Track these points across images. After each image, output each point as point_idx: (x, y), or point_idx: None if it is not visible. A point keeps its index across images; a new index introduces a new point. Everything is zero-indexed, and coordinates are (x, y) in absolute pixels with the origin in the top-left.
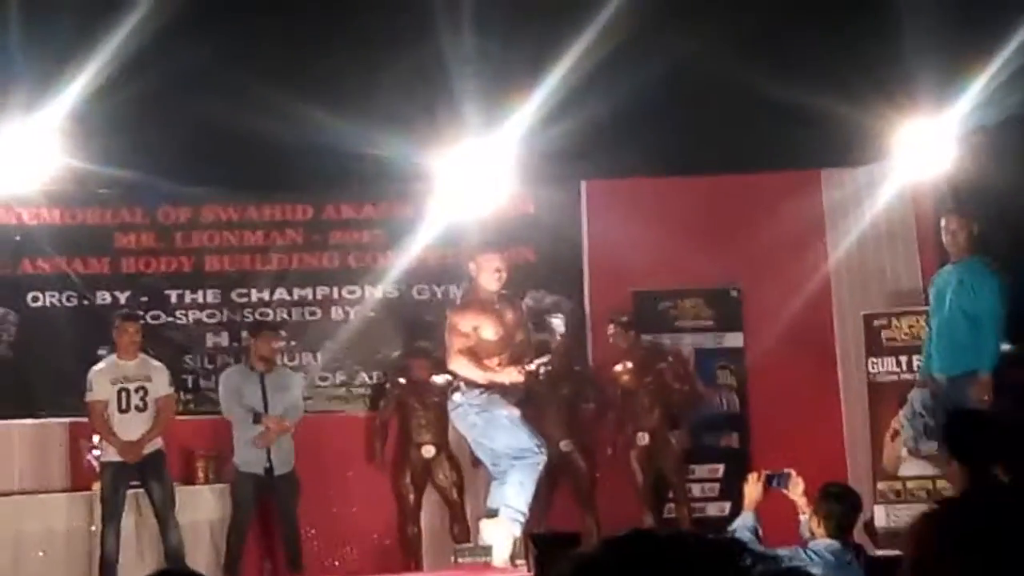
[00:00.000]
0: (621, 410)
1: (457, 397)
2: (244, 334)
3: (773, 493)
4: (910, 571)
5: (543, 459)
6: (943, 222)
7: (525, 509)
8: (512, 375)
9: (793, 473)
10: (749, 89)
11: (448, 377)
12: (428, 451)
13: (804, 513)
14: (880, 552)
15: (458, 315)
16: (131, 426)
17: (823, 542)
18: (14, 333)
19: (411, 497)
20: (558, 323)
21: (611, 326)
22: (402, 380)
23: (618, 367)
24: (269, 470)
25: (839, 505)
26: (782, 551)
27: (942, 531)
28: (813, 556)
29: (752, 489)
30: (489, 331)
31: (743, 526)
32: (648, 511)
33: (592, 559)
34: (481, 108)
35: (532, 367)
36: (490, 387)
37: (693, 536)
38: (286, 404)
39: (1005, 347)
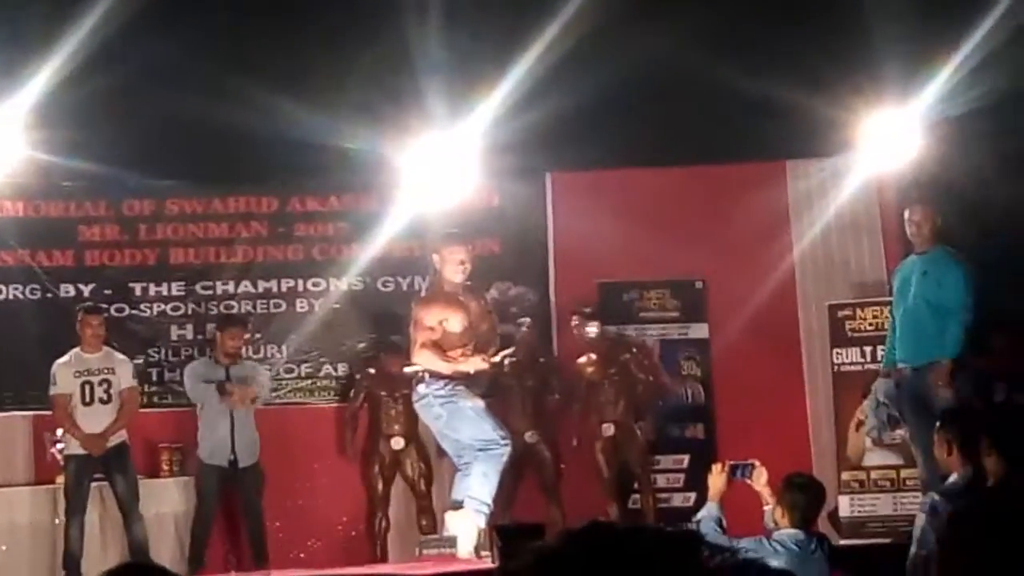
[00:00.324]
0: (586, 401)
1: (421, 388)
2: (209, 327)
3: (738, 484)
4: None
5: (507, 450)
6: (907, 213)
7: (489, 500)
8: (477, 363)
9: (757, 464)
10: (714, 80)
11: (418, 368)
12: (397, 443)
13: (768, 504)
14: (844, 542)
15: (423, 308)
16: (95, 419)
17: (787, 532)
18: None
19: (380, 488)
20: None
21: (574, 317)
22: (371, 371)
23: (583, 359)
24: (233, 462)
25: (803, 495)
26: (746, 541)
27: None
28: (777, 547)
29: (716, 480)
30: (455, 323)
31: (707, 517)
32: (613, 502)
33: (552, 551)
34: (446, 100)
35: (497, 358)
36: (455, 378)
37: (652, 528)
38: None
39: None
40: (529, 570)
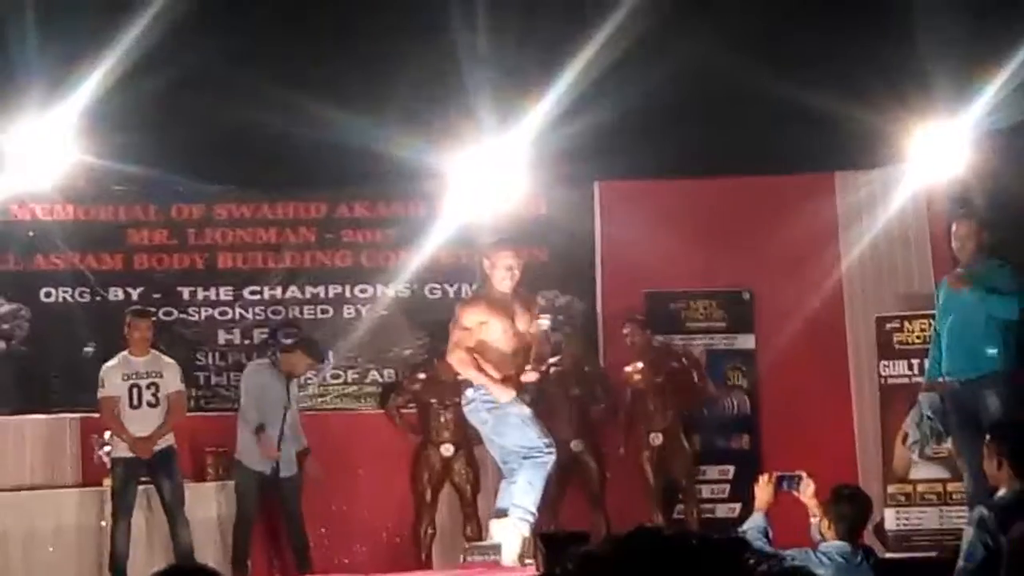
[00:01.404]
0: (633, 410)
1: (470, 392)
2: (257, 332)
3: (784, 496)
4: None
5: (552, 459)
6: (953, 227)
7: (534, 508)
8: (504, 393)
9: (805, 476)
10: (763, 91)
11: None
12: (447, 449)
13: (815, 516)
14: (890, 555)
15: (464, 309)
16: (142, 422)
17: (833, 544)
18: (27, 328)
19: (428, 496)
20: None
21: (627, 325)
22: (422, 375)
23: (630, 367)
24: (275, 470)
25: (850, 507)
26: (792, 552)
27: None
28: (823, 558)
29: (763, 491)
30: (495, 329)
31: (753, 527)
32: (658, 512)
33: (596, 556)
34: (495, 108)
35: (531, 376)
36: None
37: (697, 534)
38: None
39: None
40: (574, 574)
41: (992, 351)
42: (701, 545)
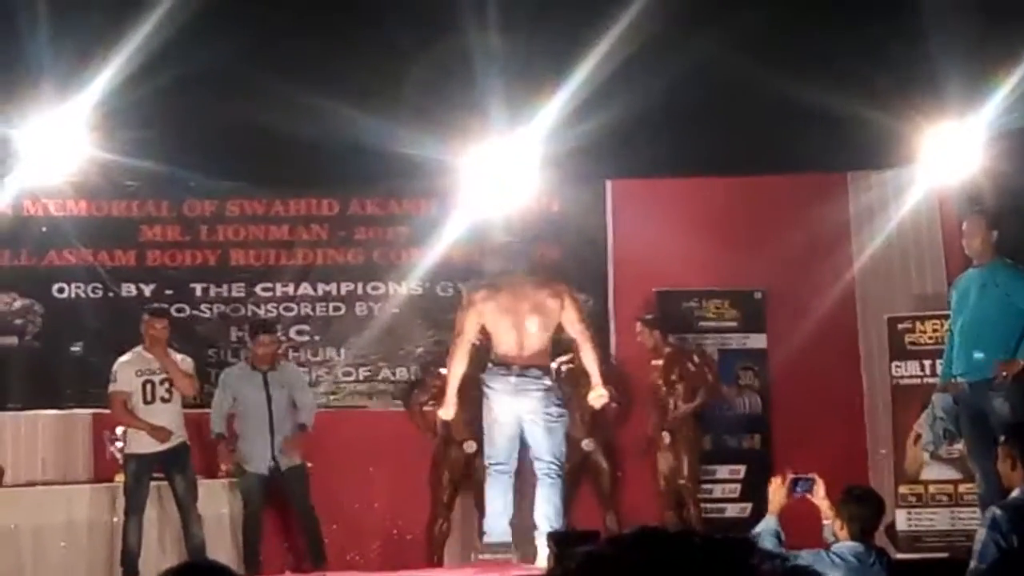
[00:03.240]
0: (647, 408)
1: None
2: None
3: (797, 498)
4: None
5: (504, 477)
6: (964, 226)
7: (552, 520)
8: (448, 412)
9: (818, 478)
10: (776, 90)
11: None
12: (470, 446)
13: (828, 519)
14: (901, 556)
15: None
16: (156, 418)
17: (846, 544)
18: (40, 324)
19: (447, 494)
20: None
21: (638, 324)
22: (443, 371)
23: (650, 365)
24: (274, 468)
25: (862, 507)
26: (805, 554)
27: None
28: (836, 559)
29: (776, 493)
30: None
31: (766, 530)
32: (670, 511)
33: (598, 555)
34: (507, 106)
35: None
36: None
37: (700, 534)
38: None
39: None
40: (576, 573)
41: (1003, 352)
42: (704, 545)
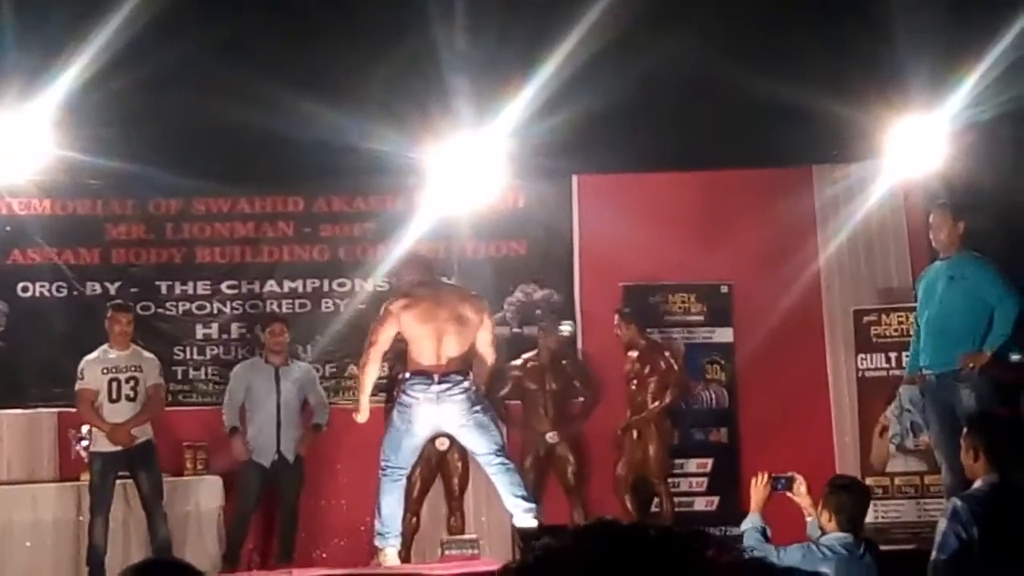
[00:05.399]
0: (616, 401)
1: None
2: (235, 326)
3: (778, 494)
4: None
5: (397, 485)
6: (930, 218)
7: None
8: (363, 417)
9: (798, 476)
10: (741, 84)
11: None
12: (442, 443)
13: (811, 516)
14: None
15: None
16: (121, 416)
17: (835, 536)
18: (4, 323)
19: (417, 489)
20: (567, 328)
21: (616, 317)
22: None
23: (623, 357)
24: (277, 461)
25: (849, 497)
26: (793, 548)
27: None
28: (826, 551)
29: (758, 491)
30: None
31: (751, 527)
32: (636, 504)
33: (555, 549)
34: (473, 102)
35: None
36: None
37: (656, 526)
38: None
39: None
40: (532, 567)
41: (970, 344)
42: (659, 536)
